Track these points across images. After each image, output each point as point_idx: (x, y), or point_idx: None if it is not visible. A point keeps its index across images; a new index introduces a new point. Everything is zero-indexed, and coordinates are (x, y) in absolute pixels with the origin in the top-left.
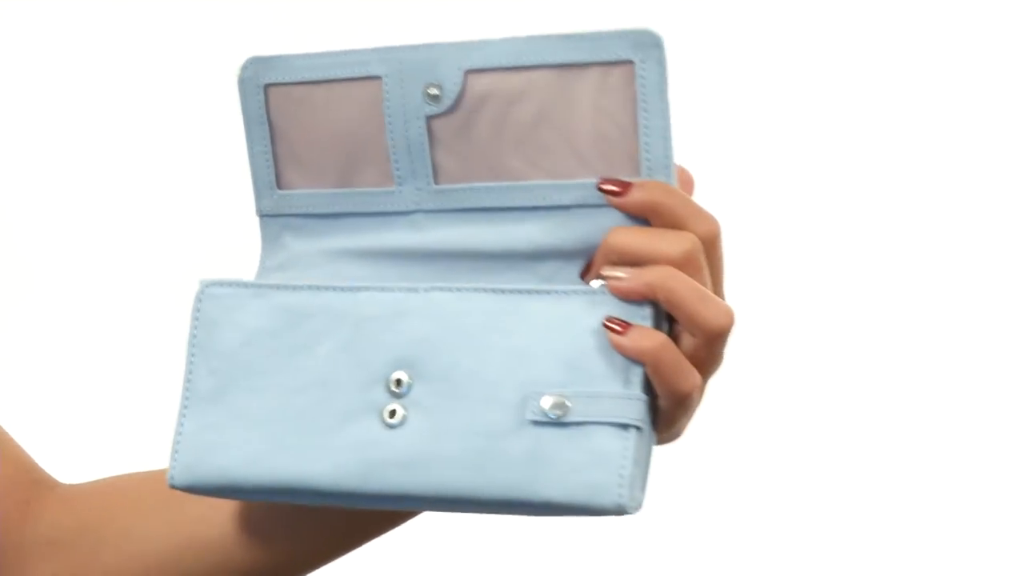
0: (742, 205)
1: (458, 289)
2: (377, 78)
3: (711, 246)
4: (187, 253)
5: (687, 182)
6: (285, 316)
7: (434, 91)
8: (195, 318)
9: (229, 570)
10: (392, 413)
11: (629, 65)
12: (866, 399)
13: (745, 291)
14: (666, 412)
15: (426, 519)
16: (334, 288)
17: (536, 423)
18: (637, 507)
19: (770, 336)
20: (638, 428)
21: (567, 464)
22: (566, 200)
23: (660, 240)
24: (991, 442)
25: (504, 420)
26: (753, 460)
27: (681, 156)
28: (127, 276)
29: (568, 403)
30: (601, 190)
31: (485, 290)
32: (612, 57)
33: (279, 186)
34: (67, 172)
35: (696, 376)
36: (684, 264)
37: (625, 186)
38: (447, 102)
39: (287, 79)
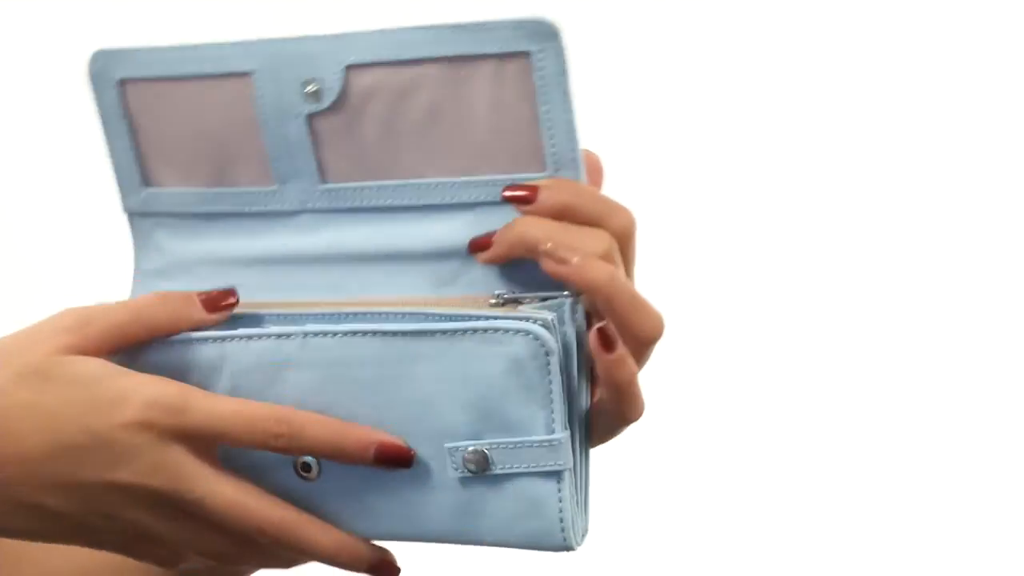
0: (718, 197)
1: (338, 334)
2: (246, 74)
3: (626, 241)
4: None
5: (596, 170)
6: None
7: (312, 88)
8: None
9: None
10: (305, 467)
11: (525, 57)
12: (865, 399)
13: (730, 289)
14: (620, 382)
15: None
16: (199, 339)
17: (462, 478)
18: (582, 536)
19: (767, 335)
20: (568, 470)
21: (503, 513)
22: (467, 198)
23: (575, 239)
24: (991, 442)
25: (426, 474)
26: (752, 460)
27: (597, 148)
28: None
29: (489, 455)
30: (507, 199)
31: (369, 333)
32: (506, 48)
33: (146, 183)
34: None
35: (659, 318)
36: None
37: (531, 191)
38: (328, 99)
39: (144, 74)
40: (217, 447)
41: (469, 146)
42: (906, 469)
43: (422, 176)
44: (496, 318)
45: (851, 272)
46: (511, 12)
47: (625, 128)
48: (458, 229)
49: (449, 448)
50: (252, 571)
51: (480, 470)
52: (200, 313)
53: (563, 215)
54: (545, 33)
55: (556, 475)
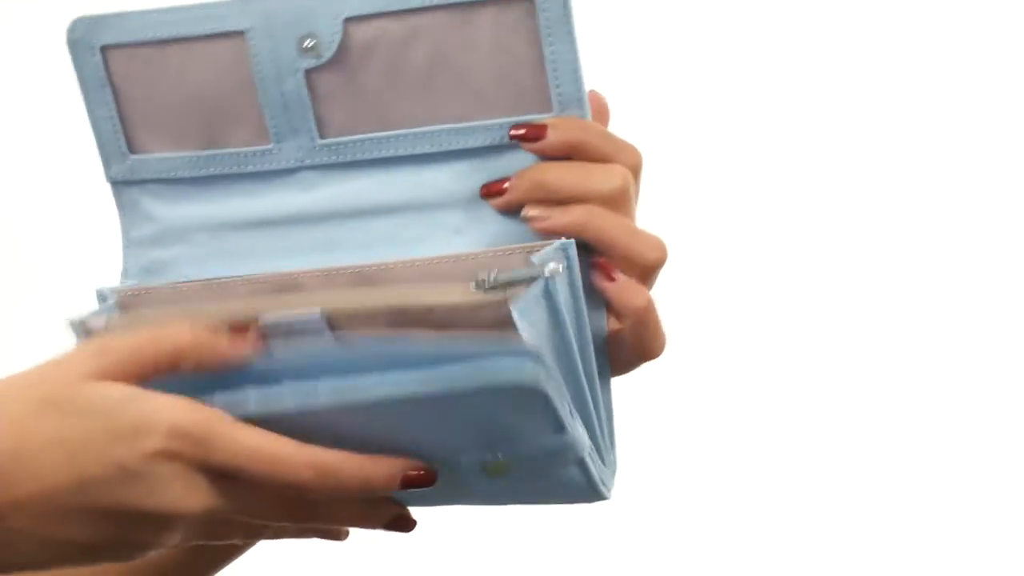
0: (724, 193)
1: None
2: (239, 33)
3: (634, 177)
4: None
5: (602, 110)
6: None
7: (310, 43)
8: None
9: None
10: None
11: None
12: (864, 399)
13: (732, 284)
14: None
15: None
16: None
17: (487, 476)
18: (613, 476)
19: (766, 334)
20: (588, 456)
21: (535, 490)
22: (471, 143)
23: (591, 177)
24: (991, 442)
25: (452, 473)
26: (751, 460)
27: (605, 88)
28: None
29: (507, 463)
30: (513, 137)
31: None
32: None
33: (132, 150)
34: None
35: (657, 238)
36: (616, 200)
37: (539, 129)
38: (326, 54)
39: (128, 39)
40: None
41: (472, 92)
42: (906, 469)
43: (425, 126)
44: (488, 359)
45: (852, 271)
46: None
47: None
48: (463, 176)
49: (465, 463)
50: (243, 551)
51: (502, 473)
52: (225, 343)
53: (572, 153)
54: None
55: (576, 462)
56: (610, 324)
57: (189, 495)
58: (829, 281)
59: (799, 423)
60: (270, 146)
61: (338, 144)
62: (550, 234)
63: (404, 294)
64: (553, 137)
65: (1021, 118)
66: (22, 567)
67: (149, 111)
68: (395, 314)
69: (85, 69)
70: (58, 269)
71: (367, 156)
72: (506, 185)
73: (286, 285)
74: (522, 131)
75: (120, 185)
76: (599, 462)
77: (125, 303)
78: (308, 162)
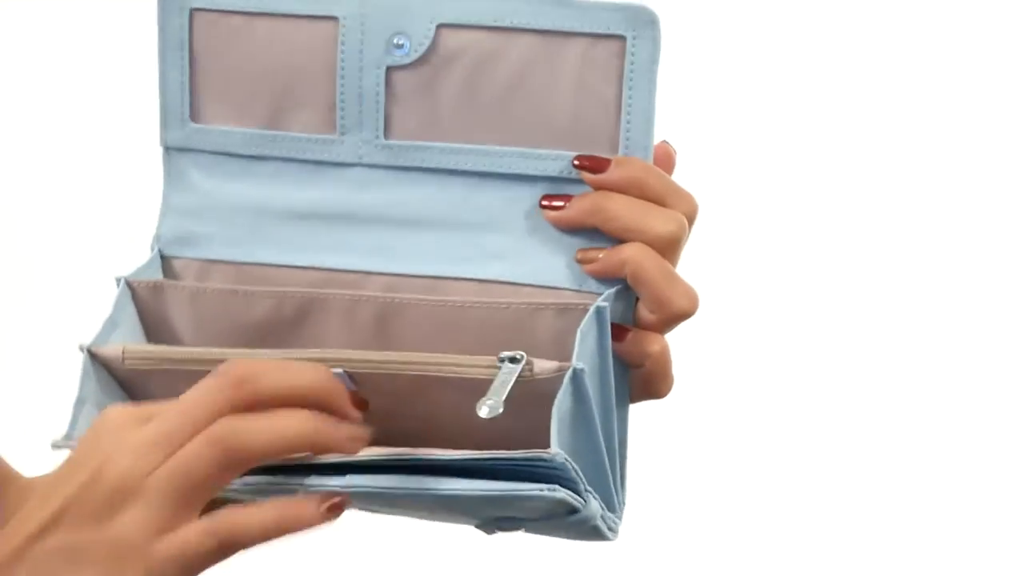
0: (729, 197)
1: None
2: (333, 19)
3: (689, 224)
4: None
5: (668, 159)
6: None
7: (400, 41)
8: None
9: None
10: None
11: (620, 40)
12: (864, 399)
13: (737, 287)
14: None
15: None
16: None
17: (501, 530)
18: (621, 514)
19: (767, 334)
20: (600, 519)
21: (545, 527)
22: (533, 170)
23: (649, 216)
24: (991, 442)
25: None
26: (751, 460)
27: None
28: None
29: (520, 525)
30: (577, 167)
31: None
32: (603, 30)
33: (193, 119)
34: None
35: (692, 288)
36: (667, 245)
37: (602, 162)
38: (413, 55)
39: (220, 6)
40: None
41: (544, 120)
42: (907, 468)
43: (489, 144)
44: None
45: (853, 271)
46: None
47: None
48: (517, 202)
49: (478, 523)
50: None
51: (512, 531)
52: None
53: (631, 191)
54: (644, 20)
55: (589, 528)
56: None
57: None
58: (829, 283)
59: (798, 426)
60: (333, 136)
61: (400, 147)
62: (598, 275)
63: (427, 363)
64: (616, 173)
65: (1021, 118)
66: None
67: (220, 81)
68: (417, 378)
69: (168, 28)
70: (63, 265)
71: (426, 164)
72: (565, 203)
73: (312, 302)
74: (586, 161)
75: (172, 151)
76: (609, 516)
77: (143, 295)
78: (367, 160)
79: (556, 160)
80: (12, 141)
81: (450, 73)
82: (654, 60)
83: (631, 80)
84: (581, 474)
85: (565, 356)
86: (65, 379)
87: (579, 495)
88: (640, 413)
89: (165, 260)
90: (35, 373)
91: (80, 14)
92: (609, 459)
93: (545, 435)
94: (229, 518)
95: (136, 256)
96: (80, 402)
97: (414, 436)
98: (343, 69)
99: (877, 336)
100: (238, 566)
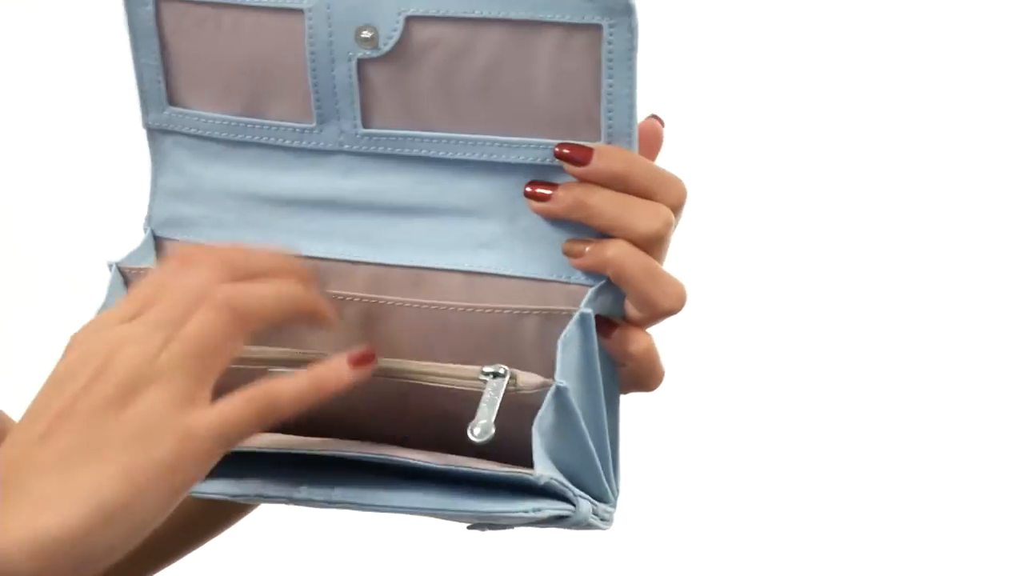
0: (719, 186)
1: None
2: (299, 11)
3: (676, 213)
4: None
5: (655, 139)
6: None
7: (367, 34)
8: None
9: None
10: None
11: (596, 29)
12: (857, 390)
13: (732, 285)
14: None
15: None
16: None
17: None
18: (615, 503)
19: (769, 334)
20: (591, 516)
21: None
22: (516, 158)
23: (633, 213)
24: (991, 442)
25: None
26: (751, 460)
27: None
28: None
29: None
30: (559, 156)
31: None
32: (578, 19)
33: (171, 102)
34: None
35: (679, 286)
36: (652, 243)
37: (585, 152)
38: (383, 47)
39: None
40: None
41: (524, 109)
42: (907, 469)
43: (470, 133)
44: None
45: (853, 271)
46: None
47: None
48: (501, 191)
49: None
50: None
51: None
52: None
53: (615, 184)
54: (619, 8)
55: (579, 525)
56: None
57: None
58: (829, 284)
59: (798, 426)
60: (311, 125)
61: (380, 135)
62: (581, 268)
63: (412, 372)
64: (598, 164)
65: (1021, 118)
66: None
67: (194, 68)
68: (397, 384)
69: (136, 17)
70: (54, 249)
71: (408, 152)
72: (550, 192)
73: None
74: (567, 151)
75: (155, 132)
76: (602, 508)
77: (135, 281)
78: (347, 147)
79: (539, 148)
80: None
81: (423, 64)
82: (632, 48)
83: (610, 68)
84: (569, 484)
85: (551, 360)
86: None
87: (568, 501)
88: (633, 404)
89: (158, 241)
90: (24, 361)
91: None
92: (600, 454)
93: (529, 438)
94: (264, 386)
95: (129, 236)
96: None
97: (400, 437)
98: (313, 61)
99: (868, 326)
100: (239, 566)
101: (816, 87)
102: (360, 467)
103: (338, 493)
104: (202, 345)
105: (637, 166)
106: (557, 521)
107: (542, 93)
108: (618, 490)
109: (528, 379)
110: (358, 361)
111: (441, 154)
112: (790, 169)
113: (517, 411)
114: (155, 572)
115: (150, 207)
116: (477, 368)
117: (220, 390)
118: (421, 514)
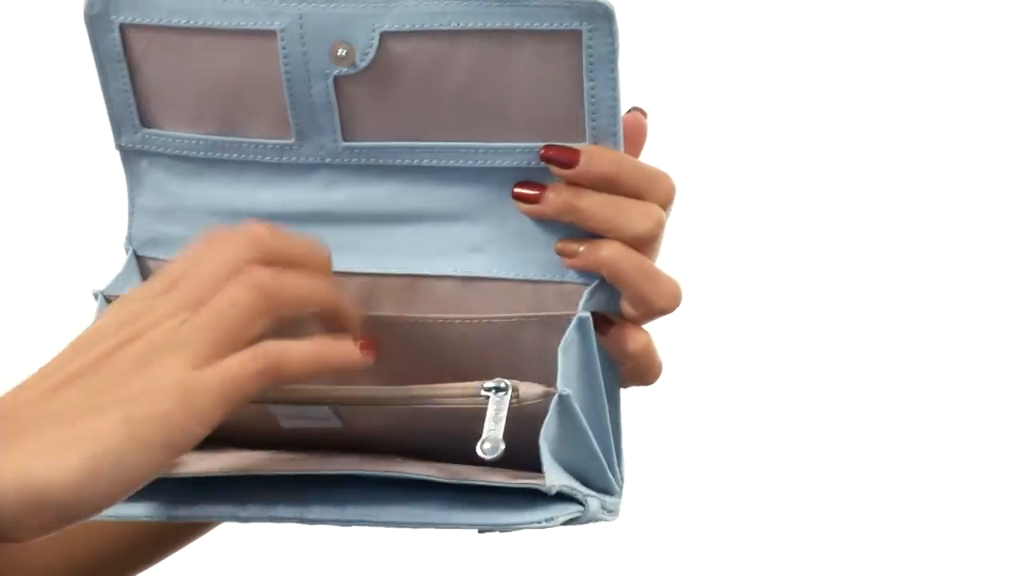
0: (709, 185)
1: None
2: (271, 32)
3: (667, 209)
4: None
5: (639, 133)
6: None
7: (342, 52)
8: None
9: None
10: None
11: (575, 35)
12: (866, 398)
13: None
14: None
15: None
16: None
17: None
18: (621, 494)
19: (769, 335)
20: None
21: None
22: (502, 163)
23: (624, 215)
24: (991, 442)
25: None
26: (752, 460)
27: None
28: None
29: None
30: (545, 159)
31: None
32: (555, 26)
33: (144, 125)
34: None
35: (674, 285)
36: (645, 243)
37: (572, 154)
38: (359, 64)
39: (149, 21)
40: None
41: (506, 115)
42: (907, 469)
43: (454, 141)
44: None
45: (853, 272)
46: None
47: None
48: (488, 195)
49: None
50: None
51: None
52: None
53: (604, 186)
54: (599, 14)
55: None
56: None
57: None
58: (829, 285)
59: (798, 426)
60: (290, 141)
61: (362, 148)
62: (574, 268)
63: (411, 396)
64: (587, 167)
65: (1021, 118)
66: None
67: (165, 91)
68: (401, 407)
69: (101, 44)
70: (54, 271)
71: (392, 162)
72: (539, 194)
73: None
74: (553, 153)
75: (130, 153)
76: (609, 500)
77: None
78: (329, 161)
79: (524, 152)
80: None
81: (402, 78)
82: (613, 51)
83: (591, 72)
84: (578, 485)
85: (549, 363)
86: None
87: (578, 503)
88: (632, 398)
89: (140, 260)
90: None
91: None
92: (603, 449)
93: (537, 439)
94: (271, 345)
95: (110, 252)
96: None
97: (402, 451)
98: (289, 81)
99: (865, 322)
100: (240, 566)
101: (804, 82)
102: (364, 481)
103: (351, 511)
104: (224, 317)
105: (625, 166)
106: (568, 522)
107: (524, 98)
108: (623, 479)
109: (530, 390)
110: (367, 346)
111: (425, 162)
112: (778, 165)
113: (519, 417)
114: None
115: (130, 227)
116: (478, 384)
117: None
118: (435, 528)
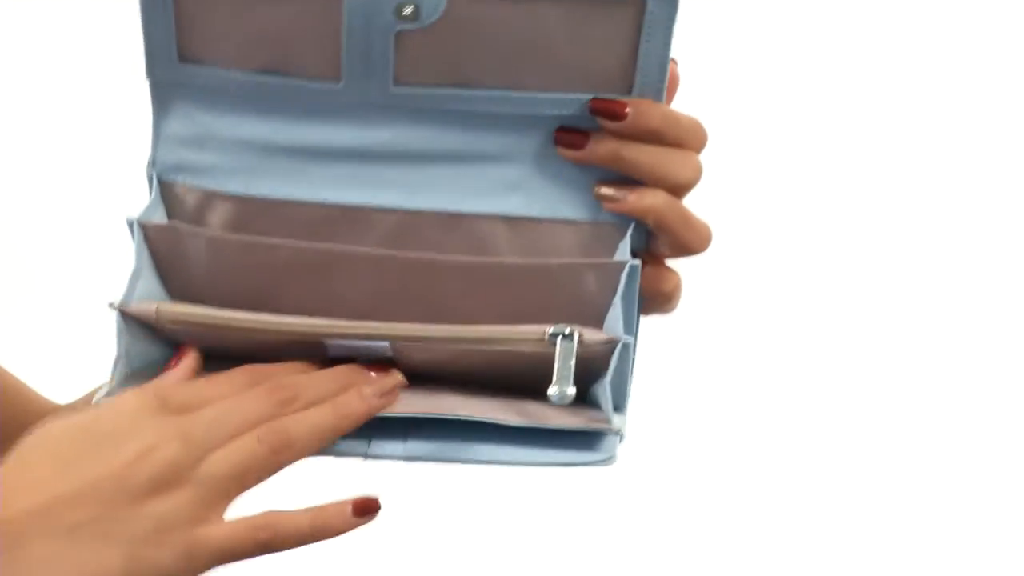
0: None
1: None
2: None
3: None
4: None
5: (672, 80)
6: None
7: (408, 11)
8: None
9: None
10: None
11: (641, 2)
12: (866, 399)
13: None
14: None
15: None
16: None
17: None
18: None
19: (769, 335)
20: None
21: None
22: (548, 111)
23: (668, 165)
24: (991, 442)
25: None
26: (752, 460)
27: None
28: None
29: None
30: (595, 111)
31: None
32: None
33: (182, 58)
34: None
35: (707, 229)
36: (686, 190)
37: (619, 107)
38: (423, 22)
39: None
40: None
41: (556, 69)
42: (907, 469)
43: (502, 90)
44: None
45: (853, 272)
46: None
47: None
48: (531, 138)
49: None
50: None
51: None
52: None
53: (648, 138)
54: None
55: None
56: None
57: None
58: (830, 284)
59: (799, 424)
60: (339, 84)
61: (412, 94)
62: (618, 212)
63: (475, 339)
64: (634, 120)
65: (1021, 118)
66: None
67: (211, 27)
68: (462, 346)
69: None
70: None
71: (438, 106)
72: (582, 141)
73: (331, 258)
74: (603, 106)
75: (161, 86)
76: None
77: (156, 237)
78: (375, 102)
79: (569, 104)
80: None
81: (462, 33)
82: (673, 15)
83: (649, 33)
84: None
85: (596, 307)
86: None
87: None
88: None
89: (164, 184)
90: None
91: None
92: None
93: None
94: (270, 518)
95: (126, 181)
96: (119, 359)
97: (454, 376)
98: (349, 31)
99: (872, 334)
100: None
101: (804, 82)
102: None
103: (413, 446)
104: (236, 472)
105: (669, 120)
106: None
107: (577, 54)
108: (629, 393)
109: (593, 336)
110: (361, 510)
111: (473, 108)
112: (778, 165)
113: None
114: None
115: (154, 152)
116: (541, 329)
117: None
118: (503, 465)
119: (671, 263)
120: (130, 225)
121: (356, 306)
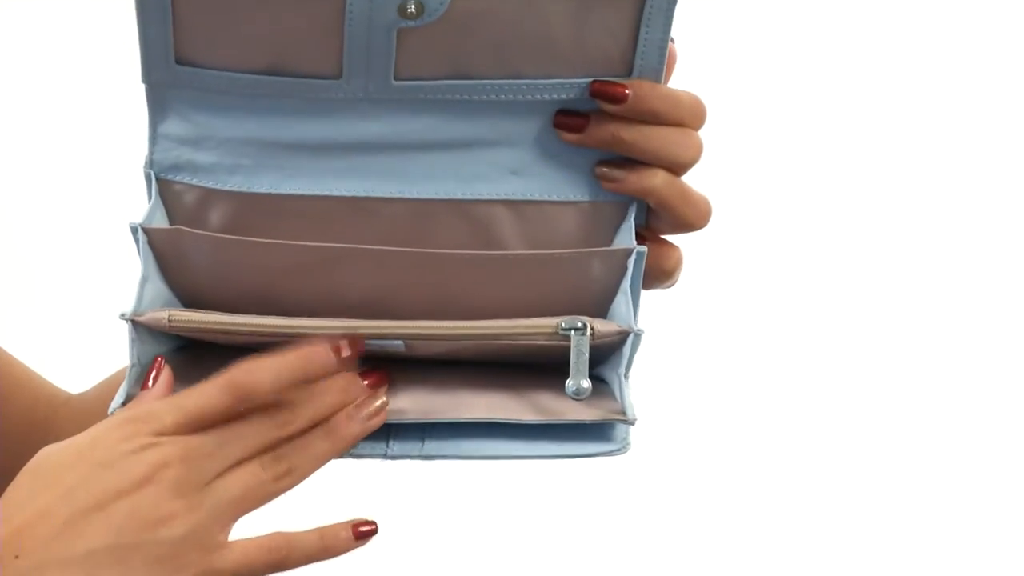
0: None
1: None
2: None
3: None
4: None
5: (670, 58)
6: None
7: (412, 8)
8: None
9: None
10: None
11: None
12: (866, 399)
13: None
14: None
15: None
16: None
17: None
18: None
19: (769, 335)
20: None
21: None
22: (548, 96)
23: (672, 147)
24: (991, 442)
25: None
26: (752, 460)
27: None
28: None
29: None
30: (595, 94)
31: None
32: None
33: (179, 61)
34: None
35: (707, 204)
36: (687, 168)
37: (619, 89)
38: (426, 19)
39: None
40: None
41: (555, 55)
42: (907, 469)
43: (502, 79)
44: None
45: (852, 272)
46: None
47: None
48: (528, 124)
49: None
50: None
51: None
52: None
53: (649, 119)
54: None
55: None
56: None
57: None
58: (830, 283)
59: (800, 424)
60: (339, 80)
61: (412, 87)
62: (618, 192)
63: (489, 334)
64: (635, 102)
65: (1021, 118)
66: None
67: (209, 31)
68: (475, 341)
69: None
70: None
71: (436, 97)
72: (582, 123)
73: (334, 256)
74: (603, 88)
75: (157, 87)
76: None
77: (159, 240)
78: (375, 96)
79: (568, 88)
80: None
81: (464, 27)
82: (672, 3)
83: (649, 20)
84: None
85: (603, 293)
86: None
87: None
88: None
89: (162, 183)
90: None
91: None
92: None
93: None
94: (283, 539)
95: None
96: (133, 367)
97: (463, 365)
98: (351, 29)
99: (872, 333)
100: None
101: (804, 83)
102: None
103: (429, 446)
104: (243, 498)
105: (670, 101)
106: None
107: (578, 40)
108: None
109: (605, 328)
110: (360, 534)
111: (468, 96)
112: (778, 165)
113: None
114: None
115: (151, 152)
116: (554, 323)
117: None
118: (517, 459)
119: (672, 239)
120: (133, 231)
121: (363, 302)
